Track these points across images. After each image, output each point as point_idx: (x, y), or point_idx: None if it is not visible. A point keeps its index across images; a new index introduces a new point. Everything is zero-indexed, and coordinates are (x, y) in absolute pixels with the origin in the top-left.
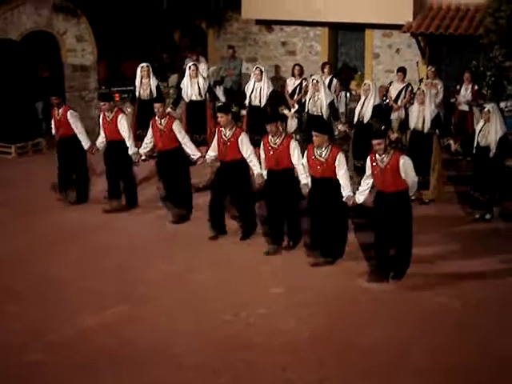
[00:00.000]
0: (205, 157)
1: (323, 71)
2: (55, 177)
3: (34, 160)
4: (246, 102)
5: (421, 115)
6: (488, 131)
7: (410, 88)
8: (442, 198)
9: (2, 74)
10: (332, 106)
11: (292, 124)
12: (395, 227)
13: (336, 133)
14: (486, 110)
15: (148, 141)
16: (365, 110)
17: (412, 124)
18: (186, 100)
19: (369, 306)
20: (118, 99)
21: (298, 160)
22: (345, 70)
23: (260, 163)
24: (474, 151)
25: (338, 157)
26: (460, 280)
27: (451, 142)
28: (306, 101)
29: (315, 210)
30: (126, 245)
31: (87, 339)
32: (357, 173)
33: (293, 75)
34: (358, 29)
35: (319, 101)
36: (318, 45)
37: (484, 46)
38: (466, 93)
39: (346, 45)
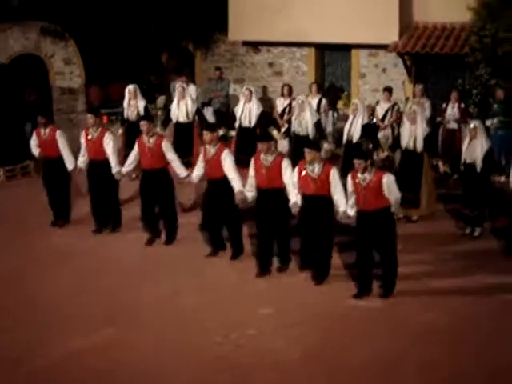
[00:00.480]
0: (190, 176)
1: (311, 91)
2: (44, 200)
3: (23, 183)
4: (236, 123)
5: (412, 134)
6: (474, 148)
7: (396, 107)
8: (432, 215)
9: None
10: (318, 125)
11: (283, 144)
12: (379, 245)
13: (322, 153)
14: (471, 126)
15: (131, 159)
16: (353, 129)
17: (404, 143)
18: (174, 121)
19: (358, 324)
20: (105, 121)
21: (290, 179)
22: (331, 89)
23: (242, 181)
24: (462, 168)
25: (331, 173)
26: (448, 296)
27: (440, 163)
28: (291, 121)
29: (306, 229)
30: (115, 267)
31: (77, 361)
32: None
33: (282, 95)
34: (345, 49)
35: (304, 121)
36: (305, 65)
37: (470, 65)
38: (452, 111)
39: (332, 65)
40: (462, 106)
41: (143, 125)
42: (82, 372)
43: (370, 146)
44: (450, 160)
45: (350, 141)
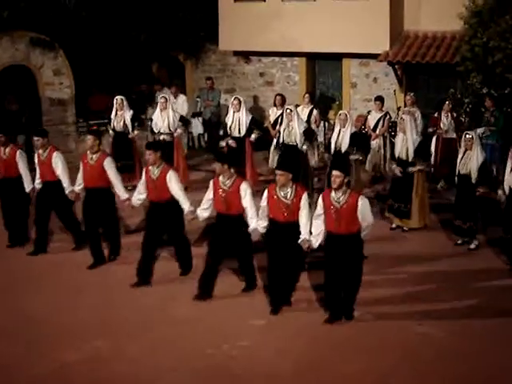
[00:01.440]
0: (130, 199)
1: (304, 101)
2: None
3: None
4: (221, 132)
5: (404, 144)
6: (469, 159)
7: (388, 116)
8: (426, 226)
9: None
10: (306, 133)
11: (274, 158)
12: (345, 269)
13: (313, 163)
14: (468, 137)
15: (81, 177)
16: (341, 139)
17: (397, 153)
18: (155, 131)
19: (350, 336)
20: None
21: (250, 203)
22: (322, 99)
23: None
24: (456, 179)
25: (302, 198)
26: (442, 309)
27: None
28: (279, 131)
29: (274, 258)
30: (104, 279)
31: (69, 373)
32: None
33: (274, 105)
34: (335, 58)
35: (293, 130)
36: (296, 75)
37: (461, 74)
38: (447, 120)
39: (323, 74)
40: (455, 115)
41: (88, 139)
42: None
43: (360, 157)
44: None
45: (338, 150)
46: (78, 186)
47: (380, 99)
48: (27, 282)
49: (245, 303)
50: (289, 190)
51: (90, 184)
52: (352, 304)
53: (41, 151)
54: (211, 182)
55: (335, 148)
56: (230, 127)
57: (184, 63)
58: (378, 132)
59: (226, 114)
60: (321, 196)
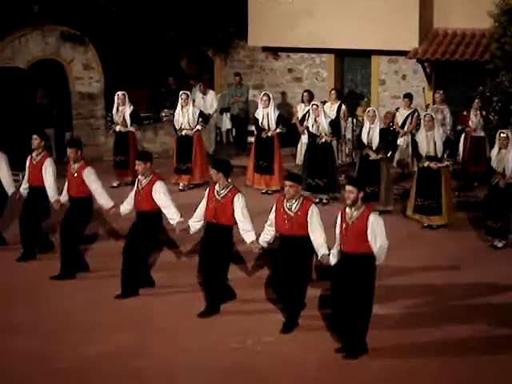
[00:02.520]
0: (115, 207)
1: (330, 97)
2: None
3: None
4: (253, 127)
5: (430, 140)
6: (504, 157)
7: (416, 114)
8: (453, 223)
9: (10, 101)
10: (333, 125)
11: (301, 154)
12: (353, 298)
13: (340, 161)
14: (503, 136)
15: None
16: (371, 135)
17: (423, 151)
18: (177, 127)
19: (373, 333)
20: None
21: (244, 217)
22: (351, 96)
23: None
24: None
25: (310, 211)
26: (462, 308)
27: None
28: (307, 127)
29: (279, 272)
30: (116, 276)
31: (91, 368)
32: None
33: (302, 101)
34: (364, 55)
35: (321, 125)
36: (325, 71)
37: (490, 72)
38: (476, 118)
39: (352, 71)
40: (484, 113)
41: (70, 152)
42: (96, 379)
43: (390, 153)
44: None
45: (369, 147)
46: (64, 197)
47: (409, 96)
48: (44, 280)
49: (268, 298)
50: (294, 202)
51: (73, 194)
52: (358, 339)
53: (34, 154)
54: (206, 191)
55: (367, 144)
56: (261, 122)
57: (213, 59)
58: (406, 129)
59: (255, 110)
60: (339, 214)
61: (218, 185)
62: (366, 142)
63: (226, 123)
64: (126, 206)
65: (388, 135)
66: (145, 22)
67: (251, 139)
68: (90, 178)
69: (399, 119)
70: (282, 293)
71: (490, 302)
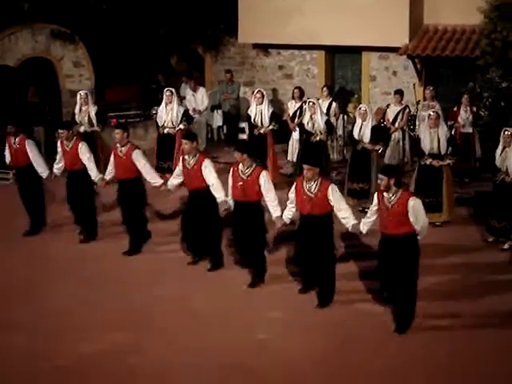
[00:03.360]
0: (166, 184)
1: (322, 94)
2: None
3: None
4: (245, 125)
5: (434, 138)
6: (507, 156)
7: (407, 110)
8: (455, 220)
9: (0, 99)
10: (328, 125)
11: (293, 151)
12: (398, 276)
13: (334, 156)
14: (507, 133)
15: (111, 168)
16: (362, 132)
17: (426, 149)
18: (160, 124)
19: (368, 331)
20: (115, 124)
21: (269, 193)
22: (342, 92)
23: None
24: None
25: (329, 190)
26: (462, 303)
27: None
28: (303, 124)
29: (303, 250)
30: (121, 274)
31: (88, 366)
32: (351, 197)
33: (293, 98)
34: (355, 51)
35: (317, 123)
36: (315, 68)
37: (480, 68)
38: (466, 115)
39: (342, 68)
40: (474, 109)
41: (117, 133)
42: (95, 377)
43: (381, 149)
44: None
45: (359, 150)
46: (108, 176)
47: (399, 92)
48: (46, 275)
49: (261, 295)
50: (313, 183)
51: (120, 176)
52: (406, 316)
53: (66, 142)
54: (230, 172)
55: (358, 141)
56: (254, 119)
57: (203, 56)
58: (397, 125)
59: (247, 107)
60: (376, 195)
61: (241, 165)
62: (357, 138)
63: (217, 120)
64: (173, 182)
65: (380, 132)
66: (135, 19)
67: (242, 136)
68: (139, 158)
69: (390, 115)
70: (310, 272)
71: None
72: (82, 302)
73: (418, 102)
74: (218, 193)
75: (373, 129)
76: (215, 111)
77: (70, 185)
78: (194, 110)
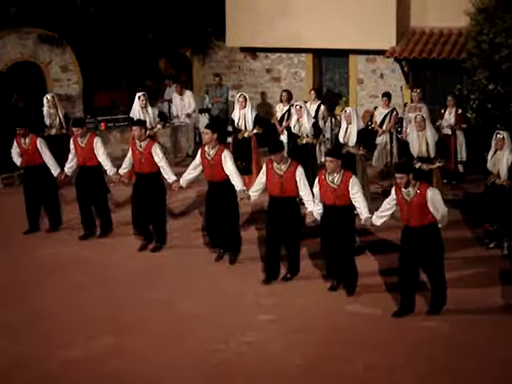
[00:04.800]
0: (179, 181)
1: (310, 97)
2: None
3: (20, 190)
4: (230, 128)
5: (422, 141)
6: (498, 159)
7: (394, 113)
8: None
9: None
10: (315, 127)
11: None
12: (425, 264)
13: (319, 162)
14: (499, 136)
15: (127, 163)
16: (348, 135)
17: (415, 151)
18: None
19: (358, 332)
20: (103, 128)
21: (305, 187)
22: (329, 95)
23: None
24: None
25: (351, 180)
26: (448, 304)
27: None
28: (289, 127)
29: (327, 240)
30: (111, 275)
31: (75, 371)
32: None
33: (281, 101)
34: (342, 54)
35: (303, 126)
36: (303, 71)
37: (467, 70)
38: (449, 117)
39: (330, 71)
40: (460, 111)
41: (135, 129)
42: (81, 382)
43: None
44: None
45: (345, 152)
46: (122, 171)
47: (387, 95)
48: (32, 279)
49: (253, 298)
50: (336, 175)
51: (138, 170)
52: (439, 298)
53: (80, 139)
54: (264, 166)
55: (343, 144)
56: (238, 123)
57: (191, 59)
58: (384, 128)
59: (233, 111)
60: (393, 188)
61: (275, 162)
62: (342, 141)
63: (204, 123)
64: (187, 177)
65: (366, 135)
66: (122, 23)
67: (229, 139)
68: (159, 153)
69: (378, 118)
70: (333, 261)
71: None
72: (68, 305)
73: (405, 105)
74: (237, 182)
75: (359, 132)
76: (202, 114)
77: (81, 181)
78: (189, 115)
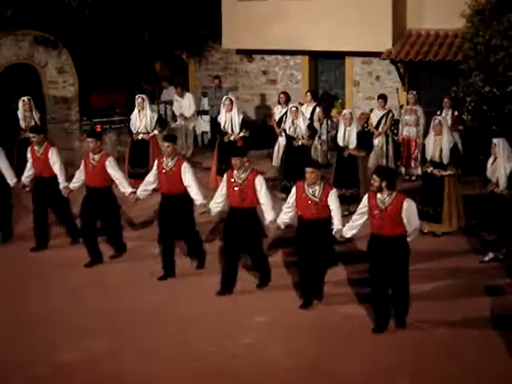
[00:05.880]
0: (136, 193)
1: (306, 99)
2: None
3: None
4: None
5: (438, 146)
6: (496, 167)
7: (390, 115)
8: (458, 231)
9: None
10: (310, 128)
11: (278, 155)
12: (391, 275)
13: (319, 160)
14: (492, 144)
15: (78, 176)
16: (347, 138)
17: (429, 155)
18: (133, 131)
19: (353, 334)
20: (99, 130)
21: (265, 196)
22: (325, 97)
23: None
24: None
25: (331, 193)
26: (445, 307)
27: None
28: (285, 129)
29: (304, 254)
30: (102, 279)
31: (67, 375)
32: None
33: (279, 103)
34: (338, 57)
35: (299, 128)
36: (299, 73)
37: (463, 72)
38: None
39: (326, 73)
40: (456, 113)
41: (90, 141)
42: None
43: (363, 155)
44: None
45: (344, 150)
46: (74, 184)
47: (383, 97)
48: (27, 282)
49: (247, 300)
50: (317, 187)
51: (91, 183)
52: (402, 310)
53: (36, 147)
54: (225, 176)
55: (342, 146)
56: (224, 127)
57: (187, 62)
58: (380, 130)
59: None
60: (366, 196)
61: (235, 170)
62: (342, 144)
63: (202, 126)
64: (145, 188)
65: (365, 137)
66: (118, 25)
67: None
68: (114, 166)
69: (374, 120)
70: (307, 275)
71: None
72: (59, 309)
73: (401, 107)
74: (197, 195)
75: (358, 134)
76: (200, 116)
77: (38, 192)
78: (182, 115)
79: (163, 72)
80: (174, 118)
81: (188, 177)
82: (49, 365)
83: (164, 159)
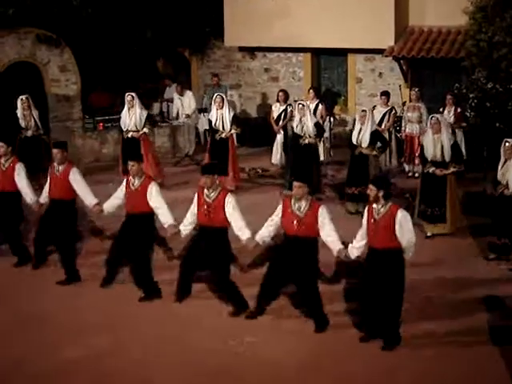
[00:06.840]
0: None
1: (309, 96)
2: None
3: None
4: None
5: (437, 144)
6: (507, 169)
7: (393, 111)
8: (460, 231)
9: None
10: (318, 126)
11: (277, 153)
12: (384, 291)
13: (322, 158)
14: (508, 145)
15: (47, 189)
16: (362, 136)
17: (429, 156)
18: (123, 129)
19: (354, 334)
20: (101, 128)
21: (236, 215)
22: (328, 94)
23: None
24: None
25: (319, 212)
26: (446, 307)
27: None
28: (292, 127)
29: (281, 273)
30: (98, 278)
31: (70, 371)
32: (351, 201)
33: (277, 101)
34: (341, 54)
35: (306, 125)
36: (301, 70)
37: (466, 69)
38: (448, 115)
39: (328, 70)
40: (459, 110)
41: (56, 153)
42: (77, 382)
43: (374, 152)
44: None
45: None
46: (43, 199)
47: (386, 94)
48: (28, 281)
49: (250, 299)
50: (303, 203)
51: (54, 195)
52: (391, 329)
53: (2, 160)
54: (195, 196)
55: (356, 145)
56: (215, 124)
57: (189, 59)
58: (383, 127)
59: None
60: (367, 208)
61: (206, 188)
62: (355, 142)
63: (203, 124)
64: (111, 203)
65: (379, 136)
66: (120, 23)
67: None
68: (78, 177)
69: (376, 117)
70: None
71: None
72: (62, 306)
73: (403, 104)
74: (166, 217)
75: (372, 133)
76: (202, 114)
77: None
78: (188, 115)
79: (166, 70)
80: (177, 115)
81: (156, 198)
82: (52, 362)
83: (131, 178)
